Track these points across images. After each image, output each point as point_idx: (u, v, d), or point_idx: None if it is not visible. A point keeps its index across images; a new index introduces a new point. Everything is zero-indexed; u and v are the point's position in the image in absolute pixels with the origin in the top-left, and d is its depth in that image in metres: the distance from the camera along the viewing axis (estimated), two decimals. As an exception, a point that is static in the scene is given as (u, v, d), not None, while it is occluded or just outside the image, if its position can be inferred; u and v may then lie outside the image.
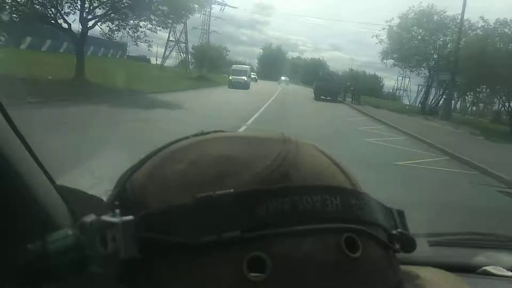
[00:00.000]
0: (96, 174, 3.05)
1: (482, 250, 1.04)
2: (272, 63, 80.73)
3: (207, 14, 64.79)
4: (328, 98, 28.16)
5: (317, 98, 28.62)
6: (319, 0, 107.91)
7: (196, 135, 0.37)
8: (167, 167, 0.32)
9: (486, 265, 0.95)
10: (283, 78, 59.67)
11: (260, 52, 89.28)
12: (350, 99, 30.23)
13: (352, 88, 32.14)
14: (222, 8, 65.42)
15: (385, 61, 30.03)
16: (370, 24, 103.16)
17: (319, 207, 0.29)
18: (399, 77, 60.42)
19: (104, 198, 0.52)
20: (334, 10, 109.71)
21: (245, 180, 0.30)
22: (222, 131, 0.37)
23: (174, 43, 52.87)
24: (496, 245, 1.08)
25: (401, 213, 0.36)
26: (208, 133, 0.37)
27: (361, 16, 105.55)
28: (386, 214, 0.34)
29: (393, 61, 29.89)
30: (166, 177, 0.32)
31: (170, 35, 51.63)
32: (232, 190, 0.29)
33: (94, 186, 0.62)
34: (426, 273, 0.37)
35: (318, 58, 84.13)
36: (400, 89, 63.61)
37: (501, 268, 0.95)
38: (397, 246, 0.33)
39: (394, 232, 0.33)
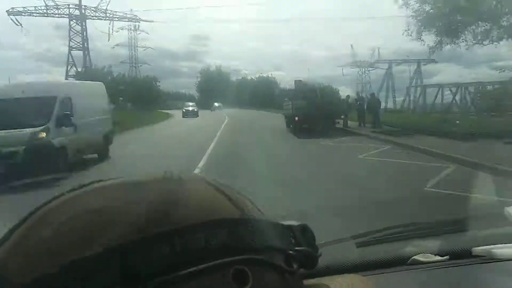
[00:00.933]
0: None
1: (408, 241, 1.07)
2: (214, 89, 70.64)
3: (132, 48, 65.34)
4: (317, 129, 15.60)
5: (298, 132, 15.89)
6: (255, 24, 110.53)
7: (73, 189, 0.34)
8: (34, 235, 0.30)
9: (415, 255, 0.98)
10: (216, 104, 57.68)
11: (197, 78, 79.29)
12: (360, 124, 17.90)
13: (359, 103, 18.62)
14: (145, 49, 68.10)
15: (423, 40, 16.12)
16: (307, 42, 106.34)
17: (201, 245, 0.28)
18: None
19: None
20: (271, 31, 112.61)
21: (119, 233, 0.28)
22: (101, 180, 0.35)
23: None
24: (419, 233, 1.12)
25: (304, 228, 0.35)
26: (84, 185, 0.35)
27: (298, 36, 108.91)
28: (284, 234, 0.34)
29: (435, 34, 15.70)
30: (31, 246, 0.29)
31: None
32: (99, 250, 0.27)
33: None
34: (335, 283, 0.37)
35: (267, 76, 73.35)
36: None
37: (429, 255, 0.99)
38: (295, 267, 0.32)
39: (290, 252, 0.33)
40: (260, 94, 61.63)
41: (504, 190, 4.75)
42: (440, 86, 18.58)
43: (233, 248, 0.29)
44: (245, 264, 0.29)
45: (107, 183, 0.34)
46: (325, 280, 0.39)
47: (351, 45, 69.44)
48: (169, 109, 40.34)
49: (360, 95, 22.14)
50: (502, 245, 0.93)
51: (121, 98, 51.34)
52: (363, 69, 66.05)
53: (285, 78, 77.83)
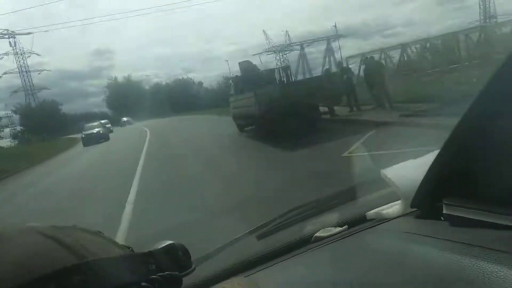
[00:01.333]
0: None
1: (308, 220, 1.10)
2: (126, 101, 62.74)
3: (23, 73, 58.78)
4: (299, 126, 9.49)
5: (267, 136, 10.03)
6: (158, 30, 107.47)
7: None
8: None
9: (316, 232, 1.01)
10: (124, 119, 52.64)
11: (105, 93, 70.23)
12: (352, 107, 12.42)
13: (346, 77, 12.80)
14: (39, 73, 61.23)
15: None
16: (214, 42, 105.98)
17: None
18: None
19: None
20: (177, 34, 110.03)
21: None
22: None
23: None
24: (319, 210, 1.15)
25: (169, 250, 0.34)
26: None
27: (202, 35, 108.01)
28: (140, 263, 0.32)
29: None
30: None
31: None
32: None
33: None
34: None
35: (182, 78, 68.60)
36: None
37: (330, 228, 1.02)
38: None
39: (143, 284, 0.31)
40: (179, 98, 58.81)
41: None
42: (382, 51, 17.18)
43: None
44: None
45: None
46: None
47: (263, 31, 65.57)
48: (79, 133, 30.46)
49: (345, 65, 14.75)
50: (388, 205, 0.99)
51: (18, 129, 47.82)
52: (280, 54, 63.87)
53: (200, 79, 75.16)
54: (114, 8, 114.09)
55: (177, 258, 0.35)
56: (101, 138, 25.41)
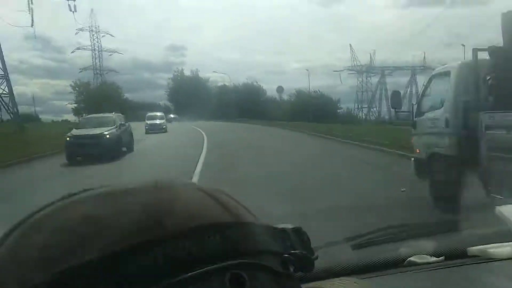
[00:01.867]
0: None
1: (403, 242, 1.07)
2: (189, 97, 56.15)
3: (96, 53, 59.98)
4: None
5: None
6: (232, 34, 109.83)
7: (62, 198, 0.34)
8: (26, 242, 0.30)
9: (410, 256, 0.98)
10: (172, 115, 48.30)
11: (168, 85, 63.34)
12: None
13: None
14: (111, 54, 62.57)
15: None
16: (283, 56, 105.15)
17: (195, 251, 0.28)
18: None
19: None
20: (248, 42, 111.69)
21: (111, 240, 0.28)
22: (92, 189, 0.34)
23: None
24: (413, 234, 1.12)
25: (297, 231, 0.35)
26: (75, 193, 0.34)
27: (276, 48, 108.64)
28: (278, 237, 0.33)
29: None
30: (24, 254, 0.29)
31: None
32: (92, 257, 0.27)
33: None
34: (333, 286, 0.37)
35: (252, 83, 58.74)
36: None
37: (425, 256, 0.99)
38: (291, 270, 0.32)
39: (286, 255, 0.32)
40: (247, 104, 50.63)
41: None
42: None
43: (228, 253, 0.29)
44: (241, 268, 0.29)
45: (96, 191, 0.34)
46: (323, 283, 0.39)
47: (350, 45, 56.58)
48: (139, 121, 30.57)
49: None
50: (496, 244, 0.93)
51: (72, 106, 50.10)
52: (364, 75, 56.74)
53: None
54: (194, 6, 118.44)
55: (305, 242, 0.35)
56: (162, 129, 26.67)
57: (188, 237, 0.28)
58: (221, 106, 55.31)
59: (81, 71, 58.29)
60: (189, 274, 0.27)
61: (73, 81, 53.00)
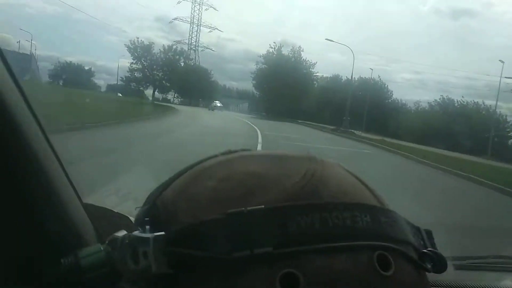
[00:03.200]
0: (121, 193, 3.15)
1: (508, 274, 1.03)
2: (283, 85, 41.58)
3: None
4: None
5: None
6: (345, 36, 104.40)
7: (224, 153, 0.39)
8: (197, 184, 0.34)
9: None
10: (217, 103, 47.01)
11: (256, 67, 47.29)
12: None
13: None
14: (210, 30, 63.51)
15: None
16: (396, 63, 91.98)
17: (349, 224, 0.30)
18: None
19: (130, 217, 0.55)
20: (359, 45, 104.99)
21: (274, 196, 0.31)
22: (249, 150, 0.39)
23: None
24: None
25: (429, 233, 0.36)
26: (235, 151, 0.39)
27: (386, 54, 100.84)
28: (415, 233, 0.35)
29: None
30: (196, 193, 0.33)
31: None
32: (263, 206, 0.30)
33: (119, 205, 0.65)
34: None
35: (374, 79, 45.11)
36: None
37: None
38: (429, 266, 0.33)
39: (425, 251, 0.34)
40: (370, 106, 37.71)
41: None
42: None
43: (376, 234, 0.31)
44: (386, 251, 0.30)
45: (255, 152, 0.38)
46: None
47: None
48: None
49: None
50: None
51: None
52: None
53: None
54: (310, 5, 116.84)
55: (433, 244, 0.36)
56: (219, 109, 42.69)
57: (344, 210, 0.30)
58: (326, 105, 40.62)
59: (174, 45, 56.84)
60: (346, 243, 0.29)
61: (130, 40, 48.27)
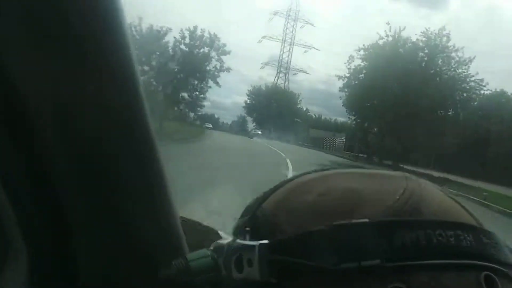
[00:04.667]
0: (209, 208, 3.37)
1: None
2: (411, 85, 21.37)
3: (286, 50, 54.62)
4: None
5: None
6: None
7: (316, 170, 0.40)
8: (297, 198, 0.36)
9: None
10: (259, 131, 49.42)
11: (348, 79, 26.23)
12: None
13: None
14: (306, 51, 59.81)
15: None
16: None
17: (453, 242, 0.30)
18: None
19: (218, 230, 0.57)
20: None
21: (376, 212, 0.31)
22: (338, 168, 0.40)
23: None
24: None
25: None
26: (327, 169, 0.40)
27: None
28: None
29: None
30: (296, 206, 0.35)
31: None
32: (367, 220, 0.30)
33: (207, 219, 0.66)
34: None
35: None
36: None
37: None
38: None
39: None
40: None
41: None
42: None
43: (480, 254, 0.31)
44: (492, 272, 0.30)
45: (351, 170, 0.40)
46: None
47: None
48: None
49: None
50: None
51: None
52: None
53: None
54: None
55: None
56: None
57: (447, 228, 0.31)
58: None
59: (262, 67, 58.17)
60: (451, 261, 0.29)
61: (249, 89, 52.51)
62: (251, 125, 62.44)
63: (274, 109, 52.08)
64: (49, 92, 0.37)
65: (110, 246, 0.44)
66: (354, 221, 0.30)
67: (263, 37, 63.74)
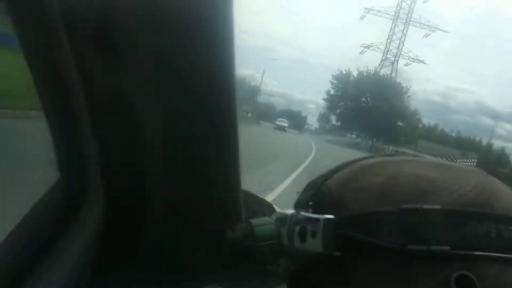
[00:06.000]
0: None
1: None
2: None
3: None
4: None
5: None
6: None
7: (381, 155, 0.41)
8: (365, 178, 0.36)
9: None
10: (282, 122, 44.20)
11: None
12: None
13: None
14: (409, 63, 48.09)
15: None
16: None
17: None
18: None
19: (273, 204, 0.58)
20: None
21: (448, 200, 0.32)
22: (409, 155, 0.42)
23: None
24: None
25: None
26: (391, 154, 0.41)
27: None
28: None
29: None
30: (364, 186, 0.36)
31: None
32: (439, 207, 0.31)
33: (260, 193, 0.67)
34: None
35: None
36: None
37: None
38: None
39: None
40: None
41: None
42: None
43: None
44: None
45: (420, 158, 0.41)
46: None
47: None
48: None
49: None
50: None
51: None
52: None
53: None
54: None
55: None
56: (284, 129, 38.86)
57: None
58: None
59: (363, 51, 46.02)
60: None
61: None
62: (335, 124, 50.35)
63: (369, 104, 39.13)
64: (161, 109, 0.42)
65: (183, 203, 0.47)
66: (426, 206, 0.31)
67: (367, 10, 46.60)
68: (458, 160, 36.53)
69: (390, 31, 47.13)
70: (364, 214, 0.33)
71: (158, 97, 0.41)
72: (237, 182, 0.49)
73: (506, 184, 0.36)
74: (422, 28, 48.68)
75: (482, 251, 0.29)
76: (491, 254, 0.29)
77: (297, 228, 0.36)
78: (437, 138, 46.59)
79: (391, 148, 36.11)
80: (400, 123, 41.98)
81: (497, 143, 49.32)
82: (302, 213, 0.36)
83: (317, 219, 0.34)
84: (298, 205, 0.39)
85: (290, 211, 0.39)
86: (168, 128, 0.43)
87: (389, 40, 48.37)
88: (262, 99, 68.08)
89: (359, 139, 45.39)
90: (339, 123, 49.36)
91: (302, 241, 0.35)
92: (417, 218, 0.30)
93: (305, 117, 67.12)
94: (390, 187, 0.34)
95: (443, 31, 49.94)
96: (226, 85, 0.42)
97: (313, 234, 0.34)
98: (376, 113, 39.30)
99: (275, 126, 40.36)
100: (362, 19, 50.97)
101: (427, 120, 56.33)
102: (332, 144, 36.27)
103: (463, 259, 0.29)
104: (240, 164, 0.48)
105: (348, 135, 49.68)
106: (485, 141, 45.21)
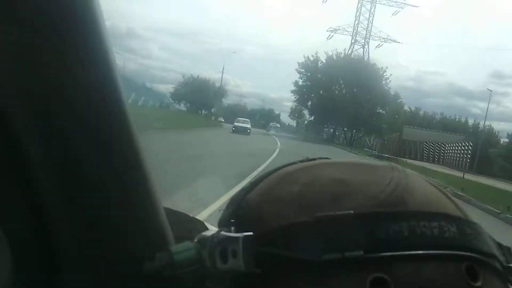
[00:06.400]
0: (193, 199, 4.11)
1: None
2: None
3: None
4: None
5: None
6: None
7: (302, 161, 0.40)
8: (281, 188, 0.36)
9: None
10: (275, 124, 45.39)
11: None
12: None
13: None
14: (379, 44, 44.69)
15: None
16: None
17: (437, 233, 0.31)
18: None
19: (204, 221, 0.58)
20: None
21: (361, 202, 0.32)
22: (328, 158, 0.41)
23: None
24: None
25: (509, 249, 0.36)
26: (314, 159, 0.41)
27: None
28: (497, 248, 0.35)
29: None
30: (281, 197, 0.35)
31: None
32: (351, 211, 0.31)
33: (193, 210, 0.68)
34: None
35: None
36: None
37: None
38: None
39: (510, 265, 0.34)
40: None
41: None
42: None
43: (462, 245, 0.31)
44: (474, 262, 0.31)
45: (337, 160, 0.40)
46: None
47: None
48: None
49: None
50: None
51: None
52: None
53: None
54: None
55: None
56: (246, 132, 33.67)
57: (431, 219, 0.31)
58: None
59: (330, 36, 44.39)
60: (433, 251, 0.30)
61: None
62: (308, 119, 45.95)
63: (343, 91, 34.77)
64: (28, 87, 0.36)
65: (90, 243, 0.43)
66: (338, 212, 0.31)
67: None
68: (454, 144, 32.17)
69: (356, 12, 43.01)
70: (281, 227, 0.32)
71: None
72: (153, 207, 0.46)
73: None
74: (390, 6, 44.93)
75: (396, 251, 0.29)
76: (405, 253, 0.29)
77: (218, 249, 0.35)
78: (421, 122, 42.13)
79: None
80: (380, 110, 37.24)
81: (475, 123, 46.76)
82: (223, 232, 0.35)
83: (236, 238, 0.34)
84: (221, 224, 0.39)
85: (213, 231, 0.38)
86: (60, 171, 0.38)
87: (356, 21, 44.34)
88: (234, 100, 68.21)
89: (336, 133, 40.77)
90: (312, 118, 44.47)
91: (224, 262, 0.34)
92: (330, 226, 0.30)
93: (278, 115, 67.04)
94: (306, 195, 0.34)
95: (412, 5, 46.13)
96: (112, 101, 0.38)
97: (234, 253, 0.33)
98: (352, 101, 34.39)
99: (233, 128, 34.68)
100: (325, 2, 47.28)
101: (406, 106, 53.06)
102: (304, 142, 33.10)
103: (377, 262, 0.29)
104: (152, 187, 0.44)
105: (326, 129, 44.86)
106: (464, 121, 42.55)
